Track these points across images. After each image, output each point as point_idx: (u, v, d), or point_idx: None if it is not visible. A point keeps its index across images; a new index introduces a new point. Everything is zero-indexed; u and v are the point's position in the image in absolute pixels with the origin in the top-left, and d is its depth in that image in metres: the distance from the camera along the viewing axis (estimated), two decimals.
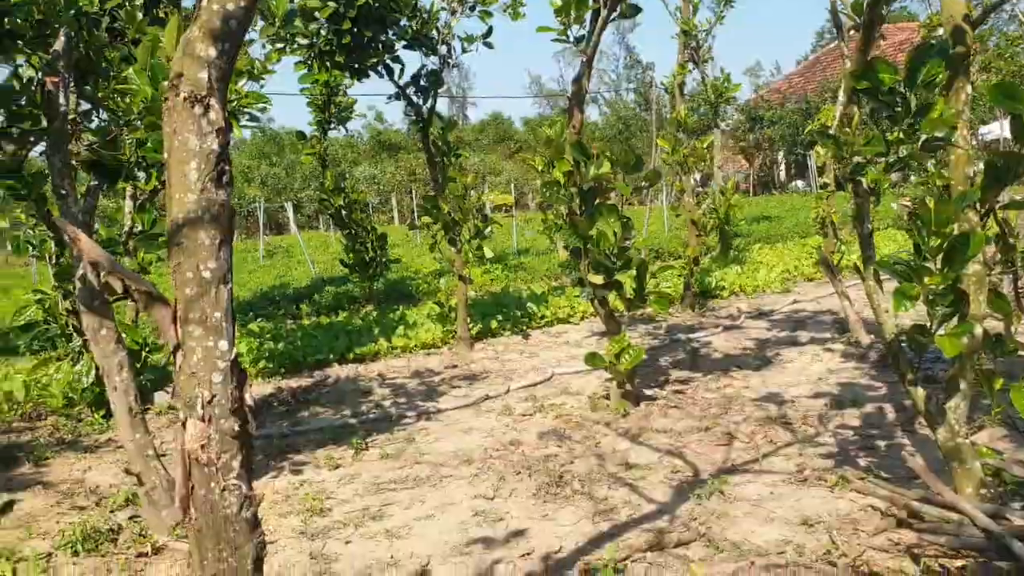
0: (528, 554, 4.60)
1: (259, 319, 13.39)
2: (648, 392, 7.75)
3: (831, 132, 6.17)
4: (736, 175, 43.63)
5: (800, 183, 42.94)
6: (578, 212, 6.70)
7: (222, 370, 1.94)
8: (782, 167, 46.95)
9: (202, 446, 1.92)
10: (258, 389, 9.14)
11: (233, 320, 1.99)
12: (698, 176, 13.33)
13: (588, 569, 4.32)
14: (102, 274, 2.13)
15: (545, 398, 7.87)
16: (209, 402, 1.93)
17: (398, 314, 12.06)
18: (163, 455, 6.68)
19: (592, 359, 7.15)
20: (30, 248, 8.02)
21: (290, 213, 31.27)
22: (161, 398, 8.35)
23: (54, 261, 7.88)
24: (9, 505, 5.72)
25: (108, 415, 8.00)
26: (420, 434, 7.04)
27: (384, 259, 13.48)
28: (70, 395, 8.28)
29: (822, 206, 10.34)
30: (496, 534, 4.91)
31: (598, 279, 6.85)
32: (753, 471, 5.66)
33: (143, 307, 2.03)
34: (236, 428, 1.96)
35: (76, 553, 4.88)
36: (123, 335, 5.07)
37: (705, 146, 11.83)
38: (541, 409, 7.50)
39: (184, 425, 1.94)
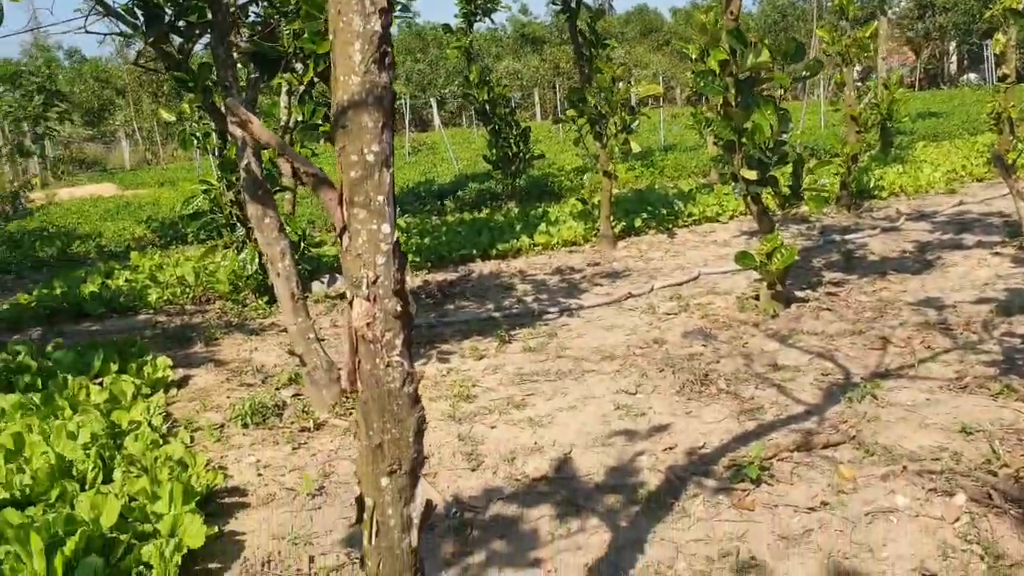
0: (671, 448, 4.63)
1: (405, 215, 13.76)
2: (799, 294, 7.50)
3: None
4: (901, 68, 40.60)
5: (973, 76, 39.58)
6: (733, 103, 6.41)
7: (385, 252, 1.99)
8: (953, 59, 43.34)
9: (368, 324, 1.99)
10: (407, 282, 9.43)
11: (394, 204, 2.02)
12: (859, 68, 12.47)
13: (733, 465, 4.30)
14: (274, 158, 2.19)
15: (690, 297, 7.76)
16: (373, 282, 1.98)
17: (540, 211, 12.08)
18: (322, 340, 7.09)
19: (742, 258, 6.96)
20: (195, 141, 8.45)
21: (434, 109, 31.53)
22: (317, 288, 8.77)
23: (217, 153, 8.29)
24: (185, 380, 6.22)
25: (270, 301, 8.50)
26: (562, 330, 7.11)
27: (527, 155, 13.45)
28: (235, 281, 8.81)
29: (999, 100, 9.50)
30: (638, 427, 4.95)
31: (751, 174, 6.60)
32: (908, 376, 5.43)
33: (312, 189, 2.09)
34: (398, 308, 2.02)
35: (246, 425, 5.26)
36: (283, 226, 5.30)
37: (868, 36, 11.01)
38: (686, 308, 7.41)
39: (351, 304, 2.01)
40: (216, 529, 3.90)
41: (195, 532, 3.66)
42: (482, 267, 10.01)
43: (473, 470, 4.53)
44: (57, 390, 5.40)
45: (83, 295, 8.72)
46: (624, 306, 7.77)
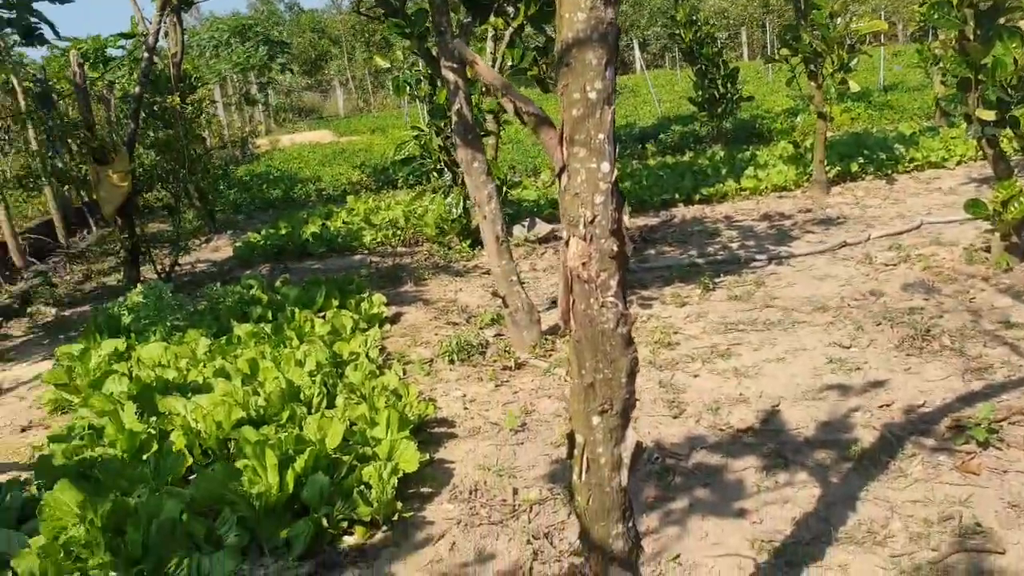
0: (887, 405, 4.38)
1: None
2: None
3: None
4: None
5: None
6: (970, 36, 5.83)
7: (603, 191, 1.98)
8: None
9: (583, 264, 2.00)
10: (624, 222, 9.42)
11: (614, 143, 2.01)
12: None
13: (957, 426, 4.02)
14: (499, 97, 2.23)
15: (912, 248, 7.24)
16: (591, 222, 1.99)
17: (747, 154, 11.63)
18: (523, 283, 7.25)
19: (973, 207, 6.39)
20: (407, 87, 8.77)
21: (636, 51, 30.91)
22: (518, 231, 8.93)
23: (427, 100, 8.56)
24: (397, 317, 6.56)
25: (473, 244, 8.76)
26: (770, 278, 6.86)
27: (734, 96, 12.95)
28: (441, 225, 9.14)
29: None
30: (852, 382, 4.71)
31: (988, 115, 6.00)
32: None
33: (532, 129, 2.11)
34: (614, 249, 2.01)
35: (452, 362, 5.50)
36: (491, 169, 5.41)
37: None
38: (906, 259, 6.93)
39: (567, 243, 2.03)
40: (428, 456, 4.12)
41: (410, 457, 3.89)
42: (685, 212, 9.80)
43: (675, 417, 4.50)
44: (286, 321, 5.86)
45: (306, 236, 9.37)
46: (838, 255, 7.37)
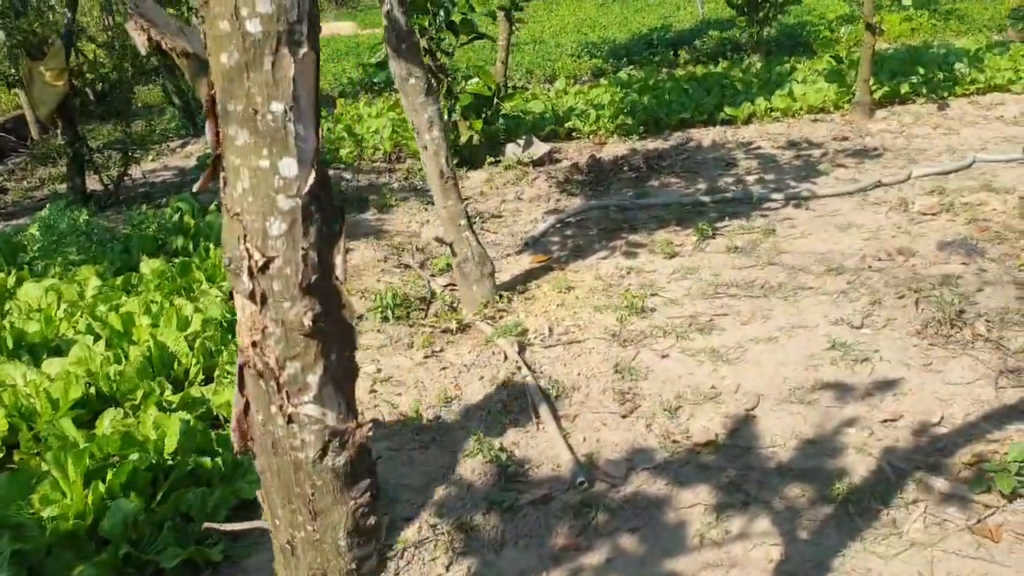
0: (894, 420, 3.43)
1: (632, 66, 12.40)
2: None
3: None
4: None
5: None
6: None
7: (287, 213, 1.05)
8: None
9: (255, 343, 1.09)
10: (611, 149, 8.34)
11: (317, 119, 1.07)
12: None
13: (979, 461, 3.07)
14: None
15: (958, 193, 6.09)
16: (262, 269, 1.07)
17: (786, 68, 10.29)
18: (485, 220, 6.29)
19: None
20: None
21: None
22: (511, 151, 7.90)
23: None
24: (344, 254, 5.66)
25: (460, 164, 7.79)
26: (782, 224, 5.80)
27: None
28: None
29: None
30: (855, 380, 3.75)
31: None
32: None
33: (190, 79, 1.19)
34: (310, 319, 1.09)
35: (385, 319, 4.63)
36: (434, 88, 4.41)
37: None
38: (950, 208, 5.80)
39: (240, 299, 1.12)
40: None
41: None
42: (704, 135, 8.63)
43: (624, 417, 3.61)
44: (198, 259, 5.01)
45: None
46: (869, 197, 6.25)
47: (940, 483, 3.01)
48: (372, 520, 1.23)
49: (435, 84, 7.45)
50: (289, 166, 1.03)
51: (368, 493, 1.21)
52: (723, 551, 2.77)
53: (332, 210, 1.11)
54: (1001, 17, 13.26)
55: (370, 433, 1.30)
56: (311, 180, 1.05)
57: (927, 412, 3.46)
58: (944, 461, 3.13)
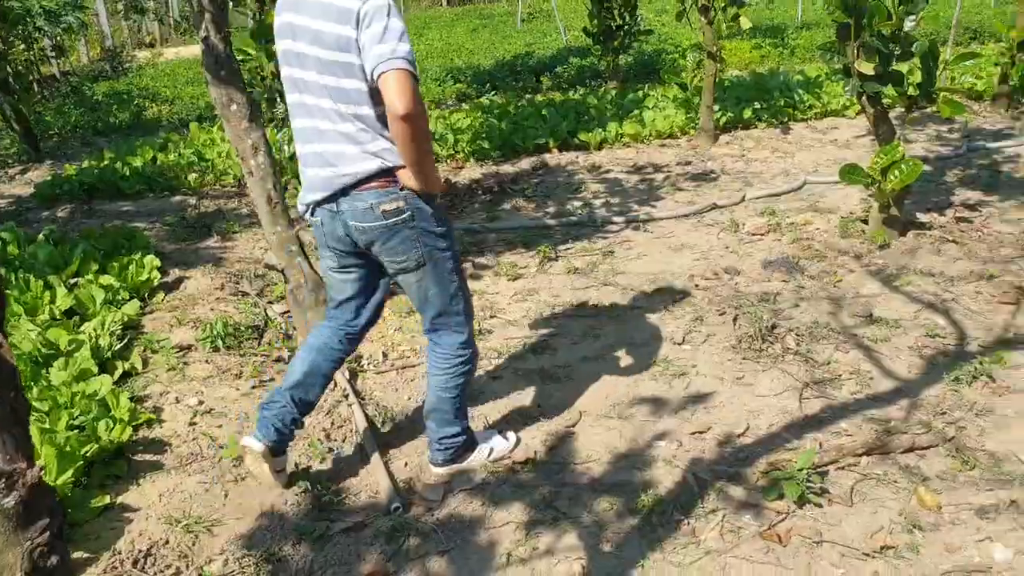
0: (702, 432, 3.59)
1: (495, 92, 12.58)
2: (921, 218, 6.08)
3: None
4: None
5: None
6: None
7: None
8: None
9: None
10: (467, 173, 8.44)
11: None
12: None
13: (773, 470, 3.24)
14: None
15: (786, 214, 6.45)
16: None
17: (639, 94, 10.66)
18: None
19: (849, 173, 5.59)
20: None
21: None
22: None
23: (255, 17, 7.34)
24: (179, 283, 5.53)
25: None
26: (622, 247, 5.99)
27: (633, 28, 11.88)
28: (281, 161, 8.01)
29: None
30: (672, 395, 3.91)
31: (869, 68, 5.16)
32: None
33: None
34: None
35: (216, 349, 4.52)
36: (259, 113, 4.36)
37: None
38: (777, 228, 6.13)
39: None
40: (107, 500, 3.18)
41: (71, 506, 2.96)
42: (559, 159, 8.83)
43: None
44: (17, 291, 4.78)
45: (122, 171, 8.15)
46: (704, 219, 6.54)
47: (738, 492, 3.16)
48: (54, 559, 1.20)
49: (262, 109, 7.39)
50: None
51: (47, 533, 1.19)
52: (528, 567, 2.82)
53: None
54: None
55: (41, 473, 1.27)
56: None
57: (734, 424, 3.63)
58: (744, 471, 3.28)
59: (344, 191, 2.79)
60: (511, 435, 3.56)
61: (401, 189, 2.77)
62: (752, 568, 2.77)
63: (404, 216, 2.79)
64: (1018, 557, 2.73)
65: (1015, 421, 3.51)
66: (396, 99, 2.49)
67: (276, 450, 3.14)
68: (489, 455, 3.42)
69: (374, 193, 2.77)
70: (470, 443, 3.38)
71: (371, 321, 3.29)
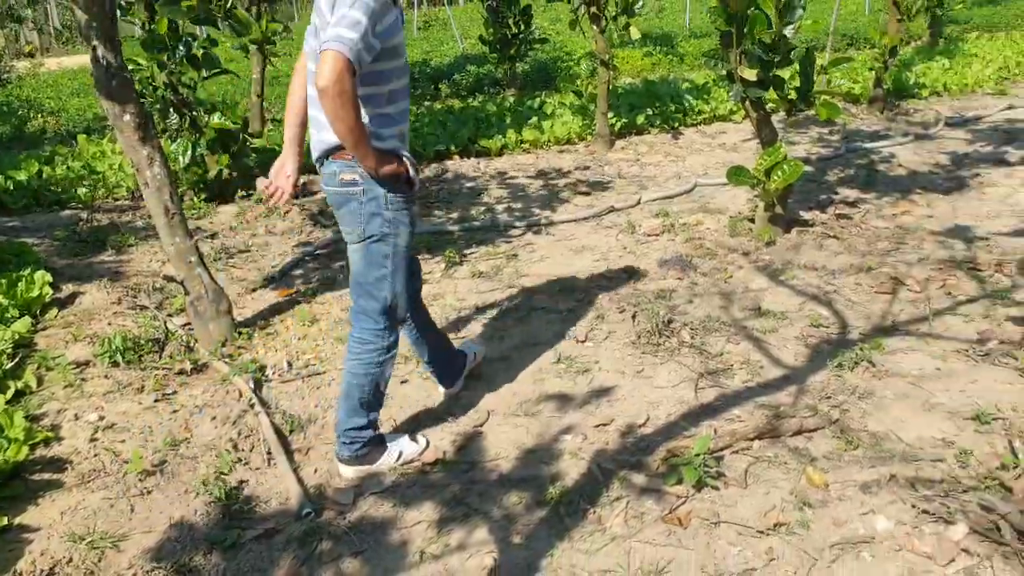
0: (605, 424, 3.72)
1: None
2: (804, 216, 6.42)
3: None
4: None
5: None
6: None
7: None
8: None
9: None
10: None
11: None
12: None
13: (672, 456, 3.40)
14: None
15: (679, 215, 6.70)
16: None
17: (536, 102, 10.85)
18: (232, 255, 6.19)
19: (736, 175, 5.86)
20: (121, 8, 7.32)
21: None
22: (261, 184, 7.76)
23: (145, 27, 7.19)
24: (72, 298, 5.37)
25: (211, 199, 7.62)
26: (524, 250, 6.12)
27: (528, 36, 12.10)
28: (177, 172, 7.85)
29: None
30: (576, 390, 4.04)
31: (751, 74, 5.43)
32: (918, 334, 4.44)
33: None
34: None
35: (115, 364, 4.42)
36: (152, 123, 4.30)
37: None
38: (671, 229, 6.37)
39: None
40: (4, 522, 3.09)
41: None
42: (460, 166, 8.93)
43: None
44: None
45: (3, 185, 7.83)
46: (603, 222, 6.74)
47: (640, 479, 3.30)
48: None
49: (155, 121, 7.26)
50: None
51: None
52: (441, 563, 2.88)
53: None
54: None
55: None
56: None
57: (635, 415, 3.78)
58: (645, 459, 3.43)
59: (326, 155, 3.06)
60: (420, 438, 3.62)
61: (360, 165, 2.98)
62: (655, 551, 2.91)
63: (356, 189, 3.03)
64: (898, 527, 2.94)
65: (894, 403, 3.77)
66: (320, 74, 2.66)
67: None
68: (398, 459, 3.47)
69: (339, 163, 3.02)
70: (378, 442, 3.43)
71: (416, 273, 3.59)
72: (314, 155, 3.14)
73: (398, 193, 3.08)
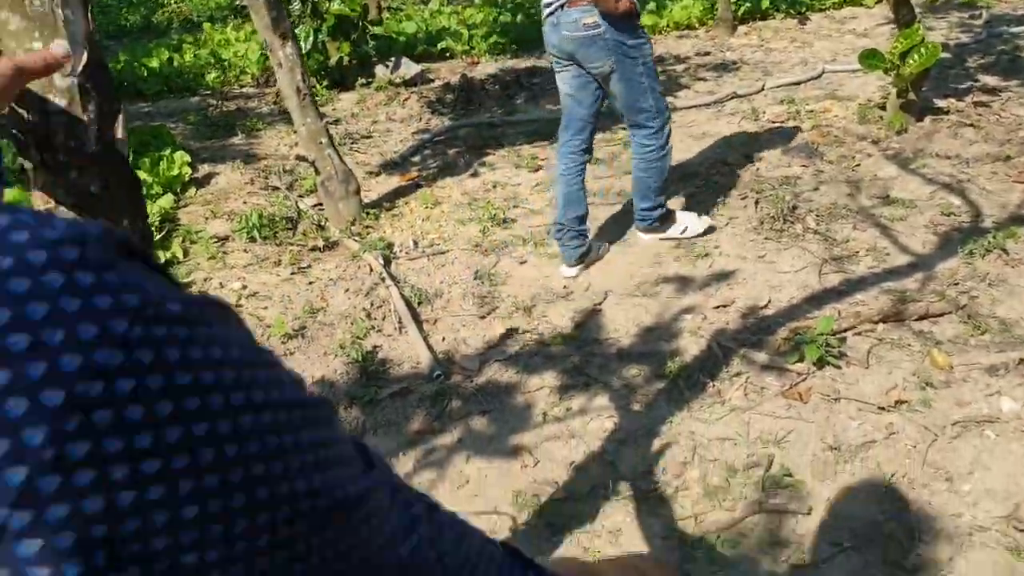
0: (725, 305, 3.75)
1: None
2: (939, 103, 6.09)
3: None
4: None
5: None
6: None
7: (64, 91, 1.15)
8: None
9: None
10: (483, 68, 8.42)
11: (86, 5, 1.16)
12: None
13: (795, 336, 3.41)
14: None
15: (805, 102, 6.46)
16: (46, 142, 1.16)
17: None
18: (355, 141, 6.34)
19: (868, 58, 5.58)
20: None
21: None
22: (381, 72, 7.89)
23: None
24: (208, 178, 5.65)
25: (333, 85, 7.77)
26: None
27: None
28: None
29: None
30: (695, 272, 4.06)
31: None
32: None
33: None
34: (96, 187, 1.20)
35: (252, 240, 4.68)
36: (283, 5, 4.40)
37: None
38: (796, 116, 6.16)
39: None
40: None
41: None
42: None
43: (482, 318, 3.82)
44: None
45: (139, 73, 8.18)
46: (725, 108, 6.57)
47: (761, 357, 3.33)
48: None
49: (293, 4, 7.37)
50: (61, 47, 1.13)
51: None
52: (564, 425, 3.03)
53: (110, 88, 1.21)
54: None
55: None
56: (84, 60, 1.16)
57: (756, 297, 3.79)
58: (766, 338, 3.46)
59: (561, 6, 3.60)
60: (705, 218, 4.37)
61: (597, 7, 3.51)
62: (775, 422, 2.96)
63: (600, 29, 3.56)
64: None
65: None
66: None
67: (582, 258, 4.09)
68: (683, 231, 4.28)
69: (579, 9, 3.55)
70: (668, 216, 4.26)
71: (594, 130, 4.15)
72: (546, 8, 3.66)
73: (629, 22, 3.60)
